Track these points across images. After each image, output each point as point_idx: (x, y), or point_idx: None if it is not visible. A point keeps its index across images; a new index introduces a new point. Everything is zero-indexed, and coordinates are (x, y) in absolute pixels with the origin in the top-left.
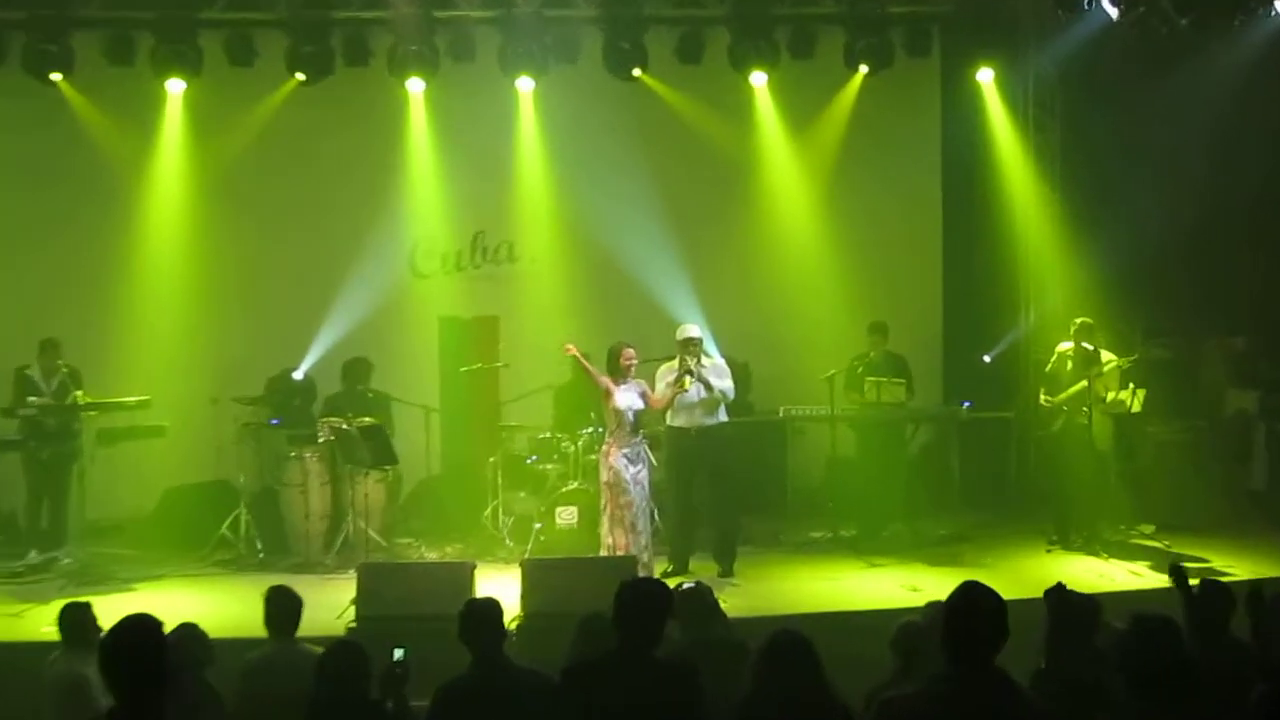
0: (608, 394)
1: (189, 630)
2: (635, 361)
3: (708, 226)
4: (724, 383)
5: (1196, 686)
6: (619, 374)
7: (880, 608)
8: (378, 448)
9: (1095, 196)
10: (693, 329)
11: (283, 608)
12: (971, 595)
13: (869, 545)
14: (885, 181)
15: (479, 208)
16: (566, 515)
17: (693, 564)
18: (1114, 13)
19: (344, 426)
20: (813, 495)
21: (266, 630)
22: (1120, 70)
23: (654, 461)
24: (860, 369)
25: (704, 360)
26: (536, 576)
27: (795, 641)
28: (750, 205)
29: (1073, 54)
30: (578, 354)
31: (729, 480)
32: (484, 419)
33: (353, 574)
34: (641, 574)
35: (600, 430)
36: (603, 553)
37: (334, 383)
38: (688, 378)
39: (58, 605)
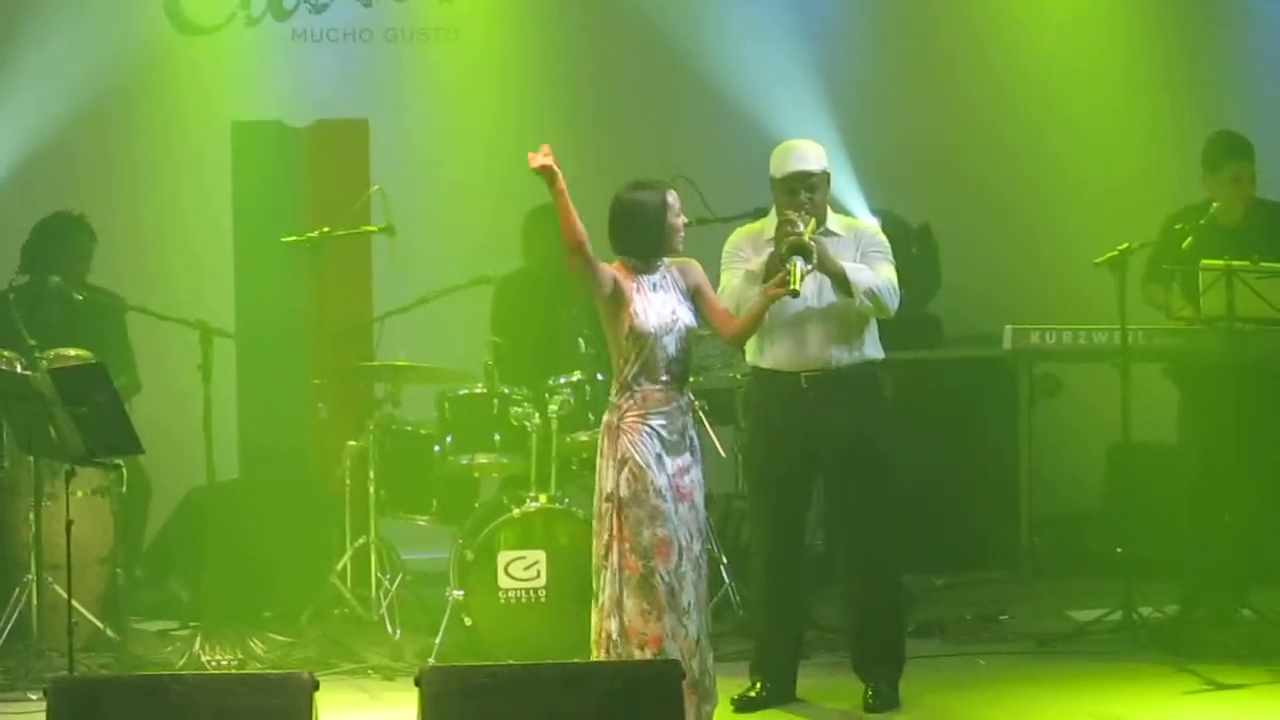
0: (616, 298)
1: None
2: (682, 224)
3: None
4: (875, 275)
5: None
6: (646, 251)
7: None
8: (97, 419)
9: None
10: (806, 153)
11: None
12: None
13: (1208, 642)
14: None
15: None
16: (521, 569)
17: (804, 681)
18: None
19: (18, 369)
20: (1078, 525)
21: None
22: None
23: (721, 449)
24: (1189, 239)
25: (830, 222)
26: (450, 708)
27: None
28: None
29: None
30: (555, 167)
31: (884, 490)
32: (337, 353)
33: (35, 702)
34: (693, 704)
35: (601, 379)
36: (596, 654)
37: (2, 270)
38: (798, 262)
39: None
